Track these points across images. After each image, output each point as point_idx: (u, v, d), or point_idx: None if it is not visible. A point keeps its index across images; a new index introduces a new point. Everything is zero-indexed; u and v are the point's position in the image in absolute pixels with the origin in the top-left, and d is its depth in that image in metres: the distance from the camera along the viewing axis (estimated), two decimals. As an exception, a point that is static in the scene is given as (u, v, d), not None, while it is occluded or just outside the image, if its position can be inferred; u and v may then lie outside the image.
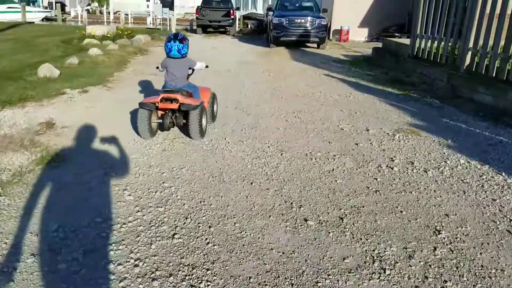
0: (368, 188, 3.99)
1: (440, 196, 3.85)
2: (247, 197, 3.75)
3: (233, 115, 6.45)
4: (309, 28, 15.71)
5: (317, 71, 10.78)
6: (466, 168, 4.49)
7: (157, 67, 5.46)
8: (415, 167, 4.51)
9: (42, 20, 40.25)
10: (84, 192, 3.74)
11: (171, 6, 52.29)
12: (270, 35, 16.36)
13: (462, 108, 6.97)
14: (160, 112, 5.21)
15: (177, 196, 3.74)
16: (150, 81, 8.66)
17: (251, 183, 4.03)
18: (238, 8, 31.42)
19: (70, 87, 7.59)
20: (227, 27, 24.50)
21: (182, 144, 5.08)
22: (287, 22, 15.71)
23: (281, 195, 3.80)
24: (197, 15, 24.12)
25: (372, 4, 21.30)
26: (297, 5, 18.06)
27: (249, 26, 28.86)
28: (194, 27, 24.46)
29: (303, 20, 15.72)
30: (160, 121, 5.12)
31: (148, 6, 50.22)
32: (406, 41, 12.06)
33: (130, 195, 3.71)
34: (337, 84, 9.00)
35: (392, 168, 4.44)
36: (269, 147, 5.07)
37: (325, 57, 13.76)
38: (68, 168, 4.24)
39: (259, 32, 24.64)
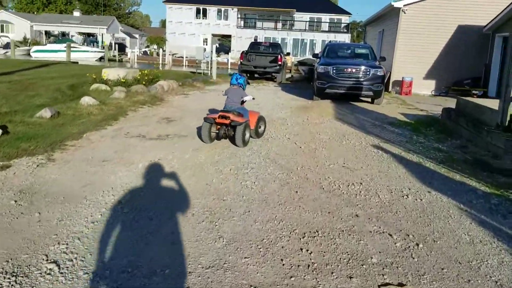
0: None
1: None
2: None
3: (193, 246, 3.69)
4: (361, 79, 12.89)
5: (365, 139, 7.88)
6: None
7: (223, 91, 7.44)
8: None
9: (100, 59, 40.52)
10: None
11: (228, 51, 51.63)
12: (314, 85, 13.68)
13: None
14: (217, 126, 6.84)
15: None
16: (125, 147, 6.19)
17: None
18: (288, 54, 29.21)
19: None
20: (273, 74, 22.23)
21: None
22: (334, 71, 13.00)
23: None
24: (241, 60, 22.10)
25: (441, 53, 18.19)
26: (348, 51, 15.37)
27: (301, 73, 26.60)
28: (239, 73, 22.37)
29: (354, 70, 12.95)
30: (217, 131, 6.83)
31: (205, 50, 49.95)
32: (490, 102, 8.93)
33: None
34: (389, 167, 6.05)
35: None
36: None
37: (379, 117, 10.82)
38: None
39: (310, 80, 22.13)
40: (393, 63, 18.29)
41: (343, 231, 3.84)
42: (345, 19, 54.19)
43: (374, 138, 8.07)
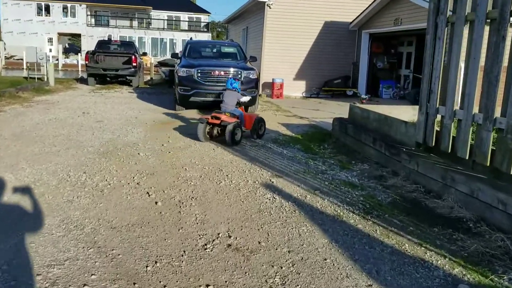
0: None
1: None
2: None
3: None
4: (232, 83, 10.66)
5: (250, 172, 5.58)
6: None
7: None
8: None
9: None
10: None
11: (78, 51, 45.93)
12: (175, 92, 11.07)
13: None
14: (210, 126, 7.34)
15: None
16: None
17: None
18: (145, 53, 26.07)
19: None
20: (128, 77, 19.04)
21: None
22: (199, 75, 10.56)
23: None
24: (87, 62, 18.47)
25: (310, 51, 16.98)
26: (214, 50, 13.05)
27: (162, 75, 23.81)
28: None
29: (223, 72, 10.66)
30: (211, 131, 7.36)
31: (50, 50, 43.53)
32: (384, 109, 7.37)
33: None
34: (300, 235, 3.79)
35: None
36: None
37: (258, 131, 8.68)
38: None
39: (172, 83, 19.46)
40: (262, 63, 16.56)
41: None
42: (204, 18, 52.51)
43: (262, 168, 5.82)
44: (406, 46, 17.53)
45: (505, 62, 4.20)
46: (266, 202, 4.49)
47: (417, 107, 8.86)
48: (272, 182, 5.22)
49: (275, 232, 3.72)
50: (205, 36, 46.74)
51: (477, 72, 4.54)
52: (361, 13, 16.10)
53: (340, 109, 12.38)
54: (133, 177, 5.20)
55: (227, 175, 5.45)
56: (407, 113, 8.01)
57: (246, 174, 5.55)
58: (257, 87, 11.07)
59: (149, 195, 4.58)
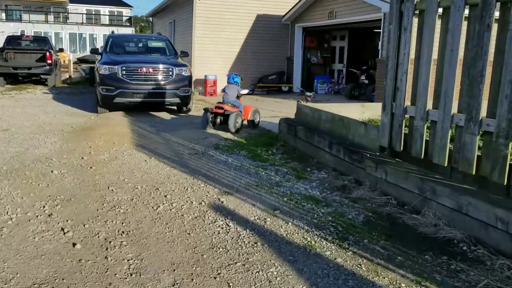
0: None
1: None
2: None
3: None
4: (162, 82, 9.59)
5: (194, 191, 4.66)
6: None
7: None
8: None
9: None
10: None
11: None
12: (97, 93, 9.76)
13: None
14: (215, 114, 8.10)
15: None
16: None
17: None
18: (62, 49, 23.91)
19: None
20: (42, 76, 17.11)
21: None
22: (124, 72, 9.37)
23: None
24: (-6, 60, 16.29)
25: (244, 46, 16.20)
26: (140, 45, 11.83)
27: (82, 73, 21.97)
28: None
29: (151, 69, 9.56)
30: (214, 120, 8.09)
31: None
32: (347, 109, 6.78)
33: None
34: (273, 275, 2.96)
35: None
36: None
37: (196, 134, 7.73)
38: None
39: (93, 82, 17.80)
40: (192, 58, 15.52)
41: None
42: (126, 12, 50.04)
43: (206, 183, 4.91)
44: (339, 40, 17.28)
45: (491, 55, 3.62)
46: (218, 232, 3.59)
47: (367, 104, 8.40)
48: (222, 202, 4.33)
49: (238, 281, 2.84)
50: (128, 31, 44.39)
51: (455, 67, 3.94)
52: (294, 6, 15.56)
53: (278, 107, 11.71)
54: (44, 206, 4.07)
55: (165, 196, 4.47)
56: (357, 111, 7.46)
57: (188, 192, 4.61)
58: (191, 85, 10.07)
59: (64, 233, 3.51)
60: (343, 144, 5.41)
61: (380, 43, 11.66)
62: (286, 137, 6.94)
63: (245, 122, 8.50)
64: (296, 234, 3.58)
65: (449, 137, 4.02)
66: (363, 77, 14.30)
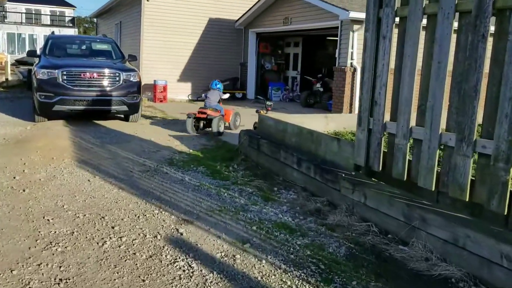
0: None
1: None
2: None
3: None
4: (108, 88, 8.78)
5: (147, 220, 4.03)
6: None
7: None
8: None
9: None
10: None
11: None
12: (34, 100, 8.77)
13: None
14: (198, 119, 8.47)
15: None
16: None
17: None
18: (-4, 51, 22.16)
19: None
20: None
21: None
22: (65, 77, 8.49)
23: None
24: None
25: (196, 50, 15.57)
26: (83, 47, 10.87)
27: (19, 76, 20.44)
28: None
29: (96, 75, 8.72)
30: (197, 124, 8.45)
31: None
32: (310, 120, 6.35)
33: None
34: None
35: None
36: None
37: (146, 147, 7.03)
38: None
39: (30, 85, 16.44)
40: (141, 62, 14.65)
41: None
42: (69, 12, 47.82)
43: (161, 209, 4.26)
44: (293, 47, 17.00)
45: (486, 68, 3.25)
46: (180, 277, 2.97)
47: (330, 115, 8.02)
48: (181, 233, 3.70)
49: None
50: (71, 32, 42.36)
51: (444, 80, 3.55)
52: (247, 11, 15.09)
53: (235, 115, 11.14)
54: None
55: (112, 227, 3.79)
56: (320, 122, 7.07)
57: (140, 222, 3.94)
58: (140, 92, 9.31)
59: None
60: (314, 161, 4.93)
61: (337, 51, 11.40)
62: (248, 151, 6.39)
63: (227, 124, 8.91)
64: (273, 277, 3.03)
65: (437, 158, 3.62)
66: (318, 85, 14.04)
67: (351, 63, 10.91)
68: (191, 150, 6.97)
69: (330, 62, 16.41)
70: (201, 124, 8.43)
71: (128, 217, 4.04)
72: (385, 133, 4.18)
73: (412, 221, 3.55)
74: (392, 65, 4.07)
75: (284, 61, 17.13)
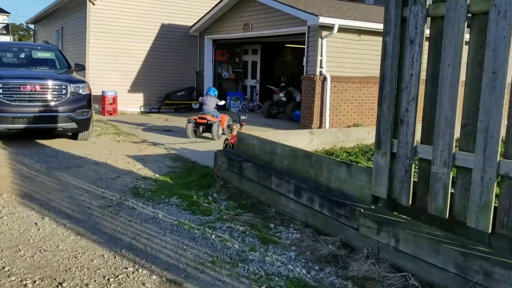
0: None
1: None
2: None
3: None
4: (53, 102, 7.55)
5: (116, 282, 2.98)
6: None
7: (199, 99, 10.16)
8: None
9: None
10: None
11: None
12: (-38, 117, 7.37)
13: None
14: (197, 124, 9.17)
15: None
16: None
17: None
18: None
19: None
20: None
21: None
22: (1, 91, 7.20)
23: None
24: None
25: (148, 58, 14.46)
26: (22, 56, 9.49)
27: None
28: None
29: (38, 87, 7.47)
30: (196, 129, 9.13)
31: None
32: (293, 137, 5.56)
33: None
34: None
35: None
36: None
37: (103, 173, 5.93)
38: None
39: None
40: (87, 72, 13.28)
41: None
42: (3, 18, 44.92)
43: (137, 266, 3.26)
44: (251, 54, 16.24)
45: None
46: None
47: (315, 130, 7.23)
48: (170, 305, 2.73)
49: None
50: (6, 40, 39.49)
51: (502, 94, 2.83)
52: (203, 17, 14.18)
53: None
54: None
55: (74, 301, 2.75)
56: (304, 139, 6.29)
57: (112, 287, 2.93)
58: (90, 106, 8.13)
59: None
60: (317, 191, 4.10)
61: (304, 58, 10.72)
62: (227, 176, 5.46)
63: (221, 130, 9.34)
64: None
65: (494, 192, 2.89)
66: (281, 95, 13.35)
67: (321, 71, 10.26)
68: (157, 175, 5.95)
69: (290, 70, 15.82)
70: (201, 129, 9.16)
71: (95, 281, 3.01)
72: (415, 158, 3.42)
73: (468, 274, 2.79)
74: (422, 75, 3.34)
75: (242, 69, 16.33)
